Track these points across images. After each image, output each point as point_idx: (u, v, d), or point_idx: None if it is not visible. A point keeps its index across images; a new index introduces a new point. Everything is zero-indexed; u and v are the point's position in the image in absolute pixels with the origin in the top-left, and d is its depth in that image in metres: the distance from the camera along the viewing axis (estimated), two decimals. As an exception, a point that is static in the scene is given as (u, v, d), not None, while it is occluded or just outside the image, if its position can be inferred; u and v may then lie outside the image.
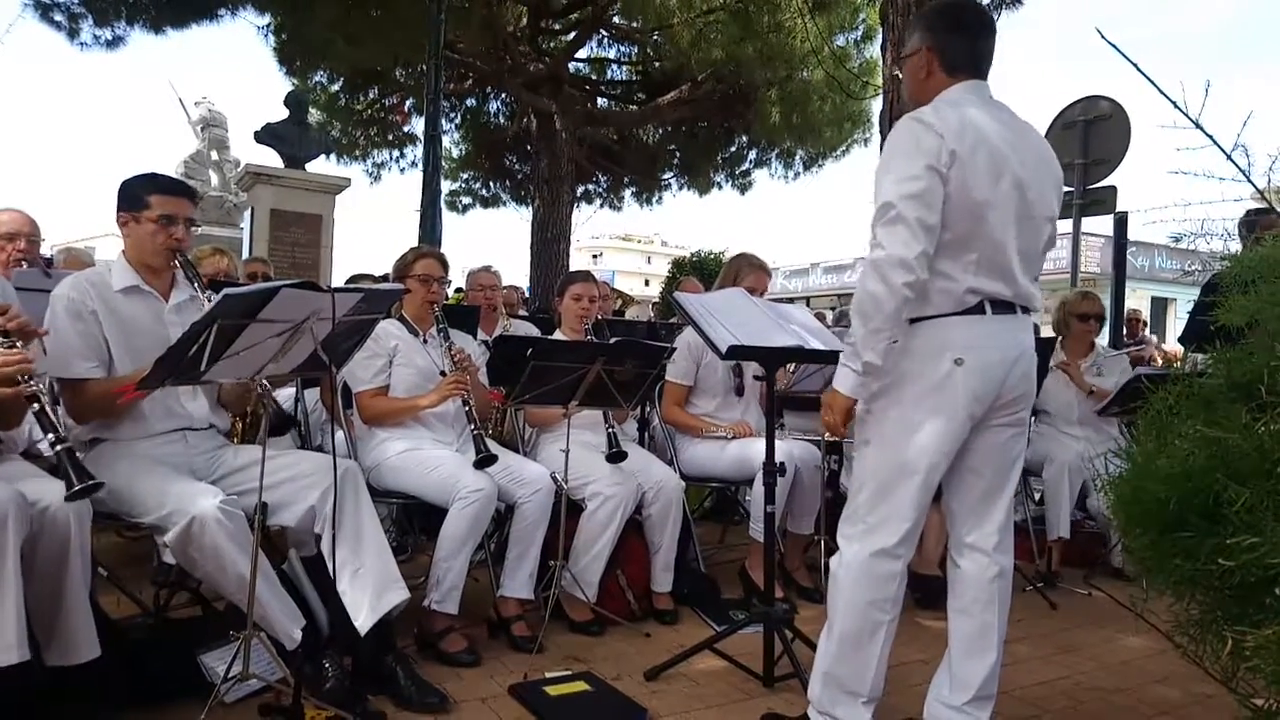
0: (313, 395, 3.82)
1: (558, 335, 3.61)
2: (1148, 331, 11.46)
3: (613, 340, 3.14)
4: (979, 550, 2.12)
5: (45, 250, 4.35)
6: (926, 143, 1.91)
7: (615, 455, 3.10)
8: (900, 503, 2.01)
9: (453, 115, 14.11)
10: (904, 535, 2.02)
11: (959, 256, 1.97)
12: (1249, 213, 2.56)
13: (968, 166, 1.91)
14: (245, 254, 8.79)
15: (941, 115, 1.95)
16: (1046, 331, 4.19)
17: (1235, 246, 1.70)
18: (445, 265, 3.25)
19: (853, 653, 2.04)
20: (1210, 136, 1.55)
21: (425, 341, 3.16)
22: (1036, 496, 4.25)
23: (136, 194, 2.40)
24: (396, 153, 14.42)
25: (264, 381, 2.19)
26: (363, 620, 2.31)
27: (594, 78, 13.92)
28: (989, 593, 2.10)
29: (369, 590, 2.33)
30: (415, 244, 7.93)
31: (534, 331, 4.58)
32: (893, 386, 2.02)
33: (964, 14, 2.13)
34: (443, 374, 3.06)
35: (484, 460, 2.80)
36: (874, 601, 2.02)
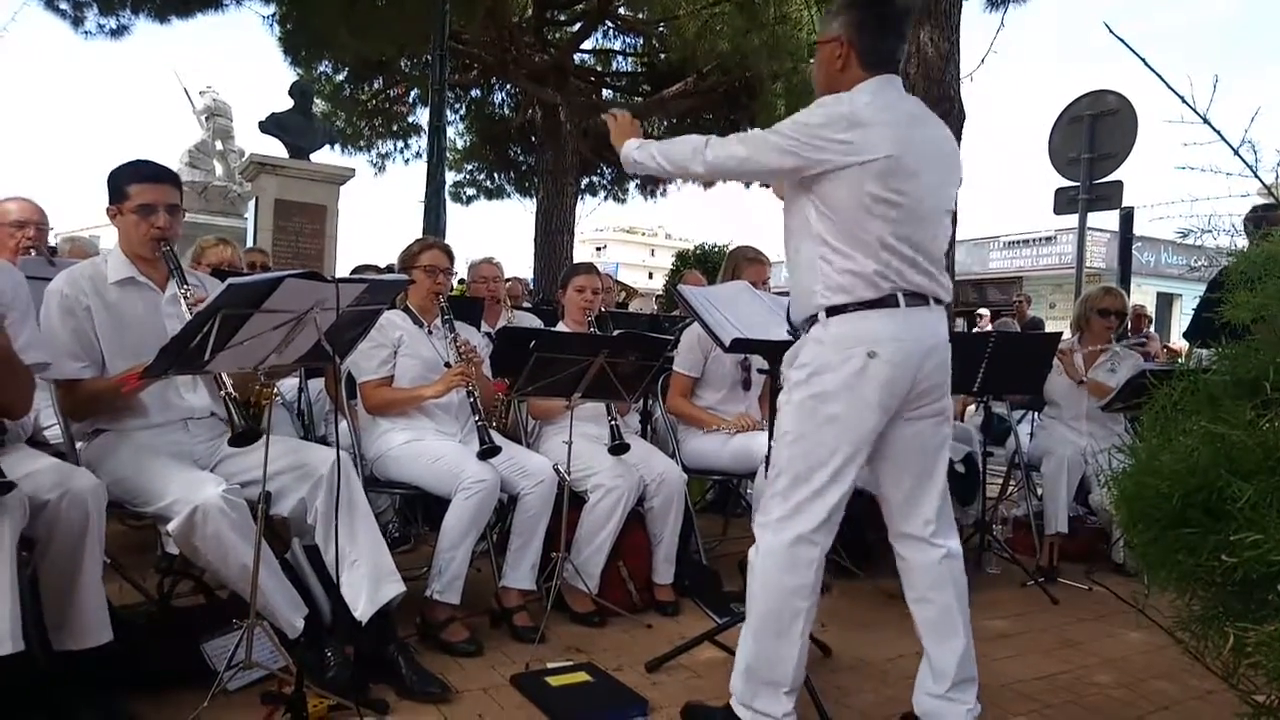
0: (316, 385, 3.83)
1: (561, 327, 3.61)
2: (1152, 327, 11.42)
3: (616, 333, 3.14)
4: (918, 539, 2.15)
5: (50, 239, 4.35)
6: (838, 116, 1.99)
7: (618, 448, 3.10)
8: (818, 491, 2.03)
9: (457, 106, 14.09)
10: (822, 522, 2.04)
11: (873, 249, 2.01)
12: (1256, 208, 2.55)
13: (896, 160, 1.98)
14: (249, 244, 8.80)
15: (874, 107, 2.02)
16: (1052, 326, 4.17)
17: (1242, 242, 1.70)
18: (451, 256, 3.24)
19: (773, 642, 2.05)
20: (1218, 131, 1.54)
21: (430, 332, 3.16)
22: (1039, 492, 4.24)
23: (118, 185, 2.39)
24: (401, 143, 14.42)
25: (232, 390, 2.20)
26: (361, 612, 2.32)
27: (599, 69, 13.88)
28: (940, 576, 2.13)
29: (365, 582, 2.33)
30: (420, 235, 7.93)
31: (537, 323, 4.58)
32: (811, 378, 2.05)
33: (890, 10, 2.15)
34: (447, 365, 3.06)
35: (488, 451, 2.81)
36: (794, 589, 2.03)
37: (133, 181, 2.38)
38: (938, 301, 2.11)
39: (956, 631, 2.12)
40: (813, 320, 2.09)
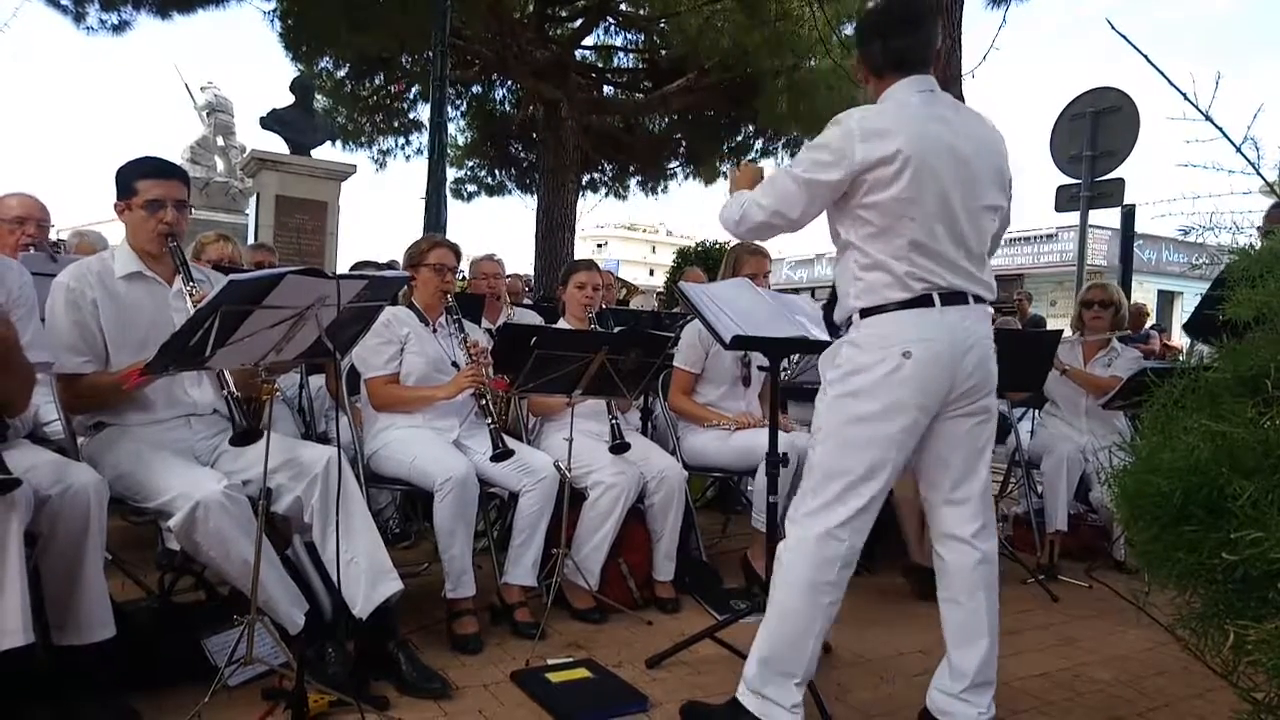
0: (316, 382, 3.83)
1: (561, 324, 3.61)
2: (1151, 325, 11.41)
3: (617, 330, 3.14)
4: (958, 539, 2.14)
5: (54, 234, 4.35)
6: (841, 133, 2.02)
7: (618, 447, 3.10)
8: (847, 488, 2.04)
9: (458, 102, 14.05)
10: (850, 519, 2.04)
11: (901, 250, 2.03)
12: (1276, 205, 2.50)
13: (910, 161, 1.98)
14: (250, 240, 8.79)
15: (882, 114, 2.06)
16: (1054, 324, 4.17)
17: (1243, 240, 1.69)
18: (458, 255, 3.24)
19: (793, 635, 2.05)
20: (1220, 128, 1.54)
21: (435, 330, 3.16)
22: (1039, 489, 4.24)
23: (126, 181, 2.40)
24: (402, 139, 14.37)
25: (234, 389, 2.21)
26: (359, 610, 2.32)
27: (600, 65, 13.85)
28: (973, 580, 2.12)
29: (362, 580, 2.33)
30: (421, 231, 7.93)
31: (538, 320, 4.58)
32: (845, 378, 2.06)
33: (887, 13, 2.19)
34: (454, 364, 3.06)
35: (500, 456, 2.81)
36: (818, 584, 2.03)
37: (141, 177, 2.39)
38: (979, 300, 2.10)
39: (982, 636, 2.11)
40: (849, 322, 2.12)
